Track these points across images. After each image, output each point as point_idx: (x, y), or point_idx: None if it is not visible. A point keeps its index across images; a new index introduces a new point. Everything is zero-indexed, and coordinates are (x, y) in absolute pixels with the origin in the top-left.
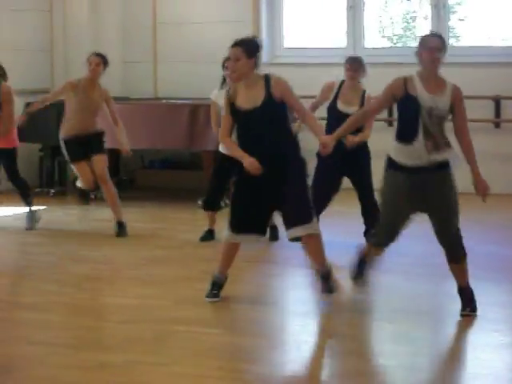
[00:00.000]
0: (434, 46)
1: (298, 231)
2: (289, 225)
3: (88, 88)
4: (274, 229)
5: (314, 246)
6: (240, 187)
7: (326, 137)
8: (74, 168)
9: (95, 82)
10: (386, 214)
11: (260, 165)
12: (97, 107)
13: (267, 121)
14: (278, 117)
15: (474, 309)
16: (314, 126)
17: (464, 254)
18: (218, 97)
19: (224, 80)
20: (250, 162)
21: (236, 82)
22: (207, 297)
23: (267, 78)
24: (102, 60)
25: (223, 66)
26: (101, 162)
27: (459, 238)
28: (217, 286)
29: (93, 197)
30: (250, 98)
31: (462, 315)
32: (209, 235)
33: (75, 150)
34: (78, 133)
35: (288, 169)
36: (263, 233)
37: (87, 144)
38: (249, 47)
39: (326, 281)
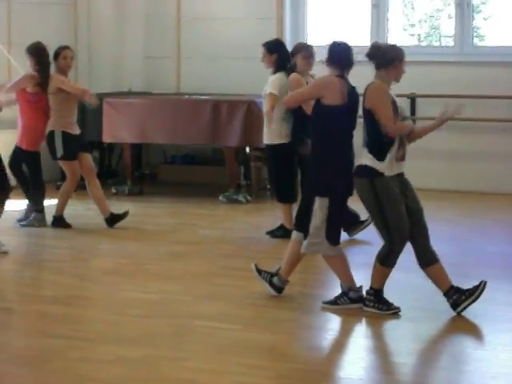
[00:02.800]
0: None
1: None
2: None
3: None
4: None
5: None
6: (337, 202)
7: None
8: (66, 165)
9: None
10: (401, 222)
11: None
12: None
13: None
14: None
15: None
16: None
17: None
18: None
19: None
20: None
21: None
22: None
23: None
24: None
25: None
26: (90, 158)
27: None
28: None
29: (114, 191)
30: None
31: (457, 312)
32: (284, 232)
33: (74, 148)
34: (77, 131)
35: None
36: None
37: (79, 141)
38: None
39: (340, 295)
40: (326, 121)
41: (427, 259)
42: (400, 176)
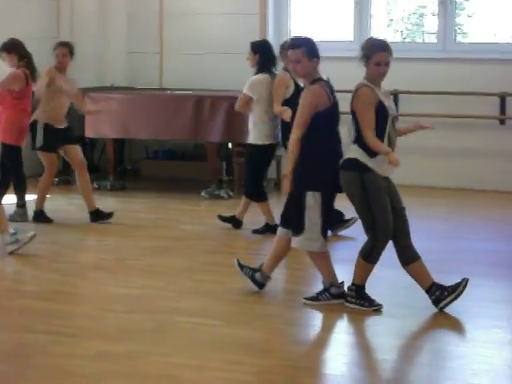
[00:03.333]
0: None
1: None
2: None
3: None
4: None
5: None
6: (328, 197)
7: None
8: (44, 156)
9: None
10: (386, 218)
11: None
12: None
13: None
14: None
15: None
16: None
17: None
18: None
19: None
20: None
21: None
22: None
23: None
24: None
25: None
26: (79, 150)
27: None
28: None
29: (96, 186)
30: None
31: (440, 308)
32: (266, 228)
33: (55, 141)
34: (61, 125)
35: None
36: None
37: (63, 134)
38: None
39: (321, 291)
40: (315, 121)
41: (408, 257)
42: (386, 178)
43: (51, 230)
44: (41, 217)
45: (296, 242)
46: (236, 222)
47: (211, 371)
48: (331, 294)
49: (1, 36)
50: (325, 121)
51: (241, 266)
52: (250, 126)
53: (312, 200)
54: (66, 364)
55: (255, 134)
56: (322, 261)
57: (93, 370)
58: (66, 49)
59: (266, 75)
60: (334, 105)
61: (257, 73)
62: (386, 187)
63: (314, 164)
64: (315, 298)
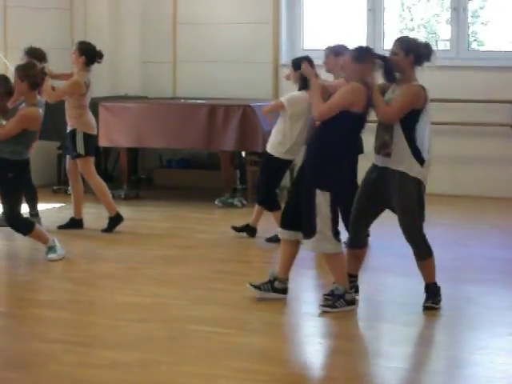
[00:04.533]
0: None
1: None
2: None
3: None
4: None
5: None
6: (339, 198)
7: None
8: (85, 165)
9: None
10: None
11: None
12: None
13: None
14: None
15: (436, 302)
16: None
17: (428, 253)
18: None
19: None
20: None
21: None
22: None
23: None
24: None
25: None
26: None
27: (421, 238)
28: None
29: None
30: None
31: (424, 307)
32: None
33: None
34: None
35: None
36: None
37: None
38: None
39: (337, 298)
40: (344, 125)
41: (360, 243)
42: (381, 170)
43: (64, 239)
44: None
45: (309, 244)
46: (250, 231)
47: (223, 379)
48: (346, 300)
49: (14, 46)
50: (356, 126)
51: (256, 287)
52: (274, 134)
53: (322, 200)
54: (78, 373)
55: (275, 145)
56: (337, 263)
57: (106, 379)
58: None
59: (306, 94)
60: (366, 110)
61: (299, 89)
62: (375, 181)
63: (328, 164)
64: (332, 306)
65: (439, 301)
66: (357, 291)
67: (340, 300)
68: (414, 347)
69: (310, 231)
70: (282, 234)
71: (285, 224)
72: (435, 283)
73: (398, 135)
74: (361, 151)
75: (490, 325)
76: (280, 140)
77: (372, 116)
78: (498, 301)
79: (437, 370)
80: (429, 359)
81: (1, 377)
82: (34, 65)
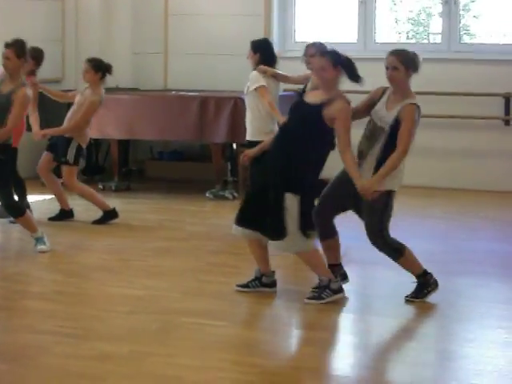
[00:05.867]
0: None
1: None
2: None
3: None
4: None
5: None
6: (309, 198)
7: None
8: (70, 174)
9: None
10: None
11: None
12: None
13: (295, 120)
14: (305, 126)
15: (418, 296)
16: (348, 168)
17: (397, 255)
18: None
19: None
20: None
21: None
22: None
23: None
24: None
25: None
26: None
27: (384, 242)
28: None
29: (101, 187)
30: (310, 96)
31: (405, 298)
32: None
33: None
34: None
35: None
36: None
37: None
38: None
39: (322, 289)
40: (324, 134)
41: (329, 233)
42: None
43: (54, 231)
44: (110, 214)
45: (281, 245)
46: None
47: (215, 372)
48: (332, 289)
49: (4, 38)
50: (331, 137)
51: (244, 286)
52: (248, 121)
53: (292, 201)
54: (69, 365)
55: (255, 130)
56: (314, 260)
57: (96, 371)
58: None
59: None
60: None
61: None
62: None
63: (299, 168)
64: (318, 297)
65: (425, 294)
66: (346, 278)
67: (326, 290)
68: (403, 340)
69: (279, 233)
70: (237, 230)
71: (242, 222)
72: (422, 275)
73: (378, 149)
74: (332, 148)
75: (479, 317)
76: (262, 123)
77: None
78: (489, 293)
79: (426, 362)
80: (418, 352)
81: None
82: None
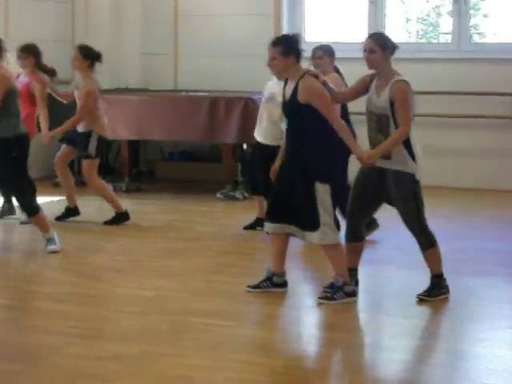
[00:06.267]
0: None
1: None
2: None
3: None
4: None
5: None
6: (335, 188)
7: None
8: (91, 167)
9: None
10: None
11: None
12: None
13: (289, 118)
14: (299, 117)
15: (432, 295)
16: (346, 139)
17: (428, 243)
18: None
19: None
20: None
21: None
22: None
23: (299, 79)
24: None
25: None
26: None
27: (421, 227)
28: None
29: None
30: (286, 91)
31: (417, 297)
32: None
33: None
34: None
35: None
36: None
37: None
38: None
39: (335, 290)
40: (317, 116)
41: (358, 236)
42: (378, 168)
43: (65, 232)
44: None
45: (315, 237)
46: (262, 222)
47: (225, 372)
48: (345, 292)
49: (15, 38)
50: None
51: (255, 287)
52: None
53: (323, 191)
54: (80, 365)
55: (267, 133)
56: (339, 254)
57: (107, 371)
58: None
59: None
60: None
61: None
62: (372, 178)
63: (323, 155)
64: (331, 298)
65: (438, 294)
66: (356, 284)
67: (339, 292)
68: (414, 340)
69: (313, 224)
70: (270, 227)
71: (272, 217)
72: (439, 275)
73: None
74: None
75: (490, 317)
76: (273, 127)
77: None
78: (499, 293)
79: (438, 362)
80: (430, 352)
81: (3, 369)
82: None
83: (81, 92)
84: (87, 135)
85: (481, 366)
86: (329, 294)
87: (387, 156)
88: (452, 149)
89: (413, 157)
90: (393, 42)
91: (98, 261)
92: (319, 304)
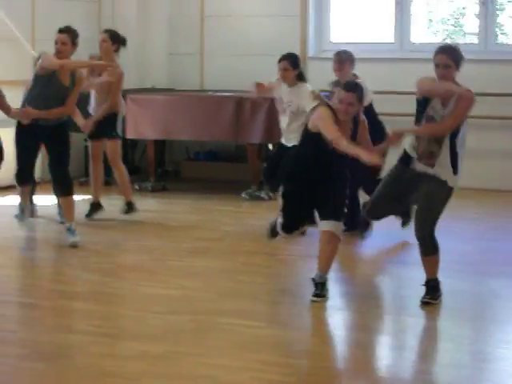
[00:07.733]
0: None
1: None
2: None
3: None
4: None
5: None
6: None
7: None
8: (116, 147)
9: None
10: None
11: None
12: None
13: None
14: None
15: (435, 298)
16: (347, 150)
17: (433, 251)
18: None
19: None
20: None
21: None
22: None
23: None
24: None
25: None
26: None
27: (430, 234)
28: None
29: (137, 188)
30: None
31: (422, 301)
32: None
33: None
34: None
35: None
36: None
37: None
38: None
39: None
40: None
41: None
42: (418, 173)
43: (92, 231)
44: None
45: (332, 225)
46: None
47: (249, 372)
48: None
49: (42, 38)
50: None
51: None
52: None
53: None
54: (105, 364)
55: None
56: (335, 250)
57: (132, 370)
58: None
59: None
60: None
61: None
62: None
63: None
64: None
65: (439, 296)
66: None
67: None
68: (438, 341)
69: (340, 215)
70: (285, 236)
71: (289, 230)
72: (436, 279)
73: (445, 145)
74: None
75: None
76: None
77: (390, 109)
78: None
79: (461, 364)
80: (453, 353)
81: (28, 368)
82: None
83: (106, 81)
84: (112, 117)
85: (505, 368)
86: (318, 291)
87: (431, 163)
88: (477, 150)
89: (455, 170)
90: (462, 55)
91: (124, 260)
92: (311, 301)
